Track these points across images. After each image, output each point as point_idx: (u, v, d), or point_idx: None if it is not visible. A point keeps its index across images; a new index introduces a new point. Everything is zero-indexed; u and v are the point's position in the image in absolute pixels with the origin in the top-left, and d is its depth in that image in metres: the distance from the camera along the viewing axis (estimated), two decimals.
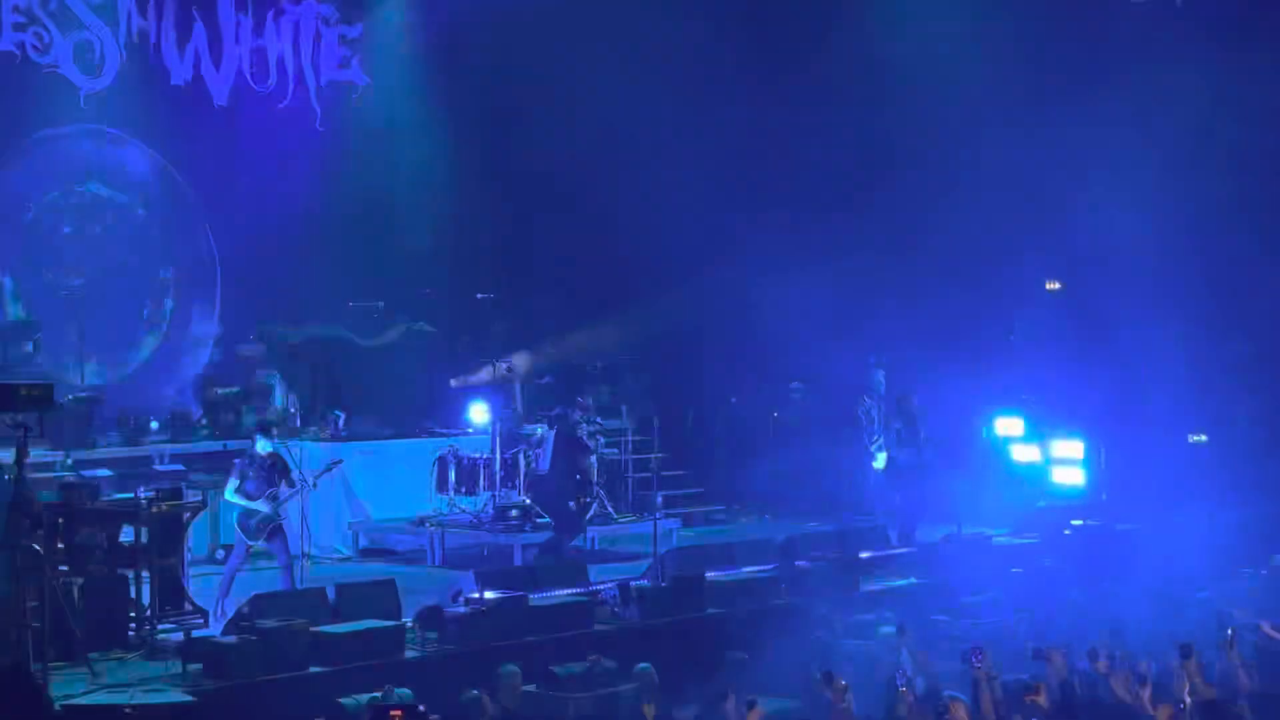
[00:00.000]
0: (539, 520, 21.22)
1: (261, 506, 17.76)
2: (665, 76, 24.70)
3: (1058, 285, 26.41)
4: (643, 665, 15.35)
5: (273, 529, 17.83)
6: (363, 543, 21.95)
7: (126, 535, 16.49)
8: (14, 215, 22.40)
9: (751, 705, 13.56)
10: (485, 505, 21.42)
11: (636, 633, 17.12)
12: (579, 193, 24.71)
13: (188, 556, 17.12)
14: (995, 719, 13.03)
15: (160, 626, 16.14)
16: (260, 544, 17.93)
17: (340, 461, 19.53)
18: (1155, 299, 23.88)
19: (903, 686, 13.63)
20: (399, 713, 11.23)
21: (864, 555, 20.22)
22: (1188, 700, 13.11)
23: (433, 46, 25.30)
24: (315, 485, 18.44)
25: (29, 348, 21.53)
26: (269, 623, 15.17)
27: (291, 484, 17.99)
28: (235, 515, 18.00)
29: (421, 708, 12.72)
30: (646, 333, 25.42)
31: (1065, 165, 24.80)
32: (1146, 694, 13.39)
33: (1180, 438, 24.38)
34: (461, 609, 16.42)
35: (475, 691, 14.22)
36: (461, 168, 24.70)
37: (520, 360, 23.92)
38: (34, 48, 22.40)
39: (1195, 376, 24.42)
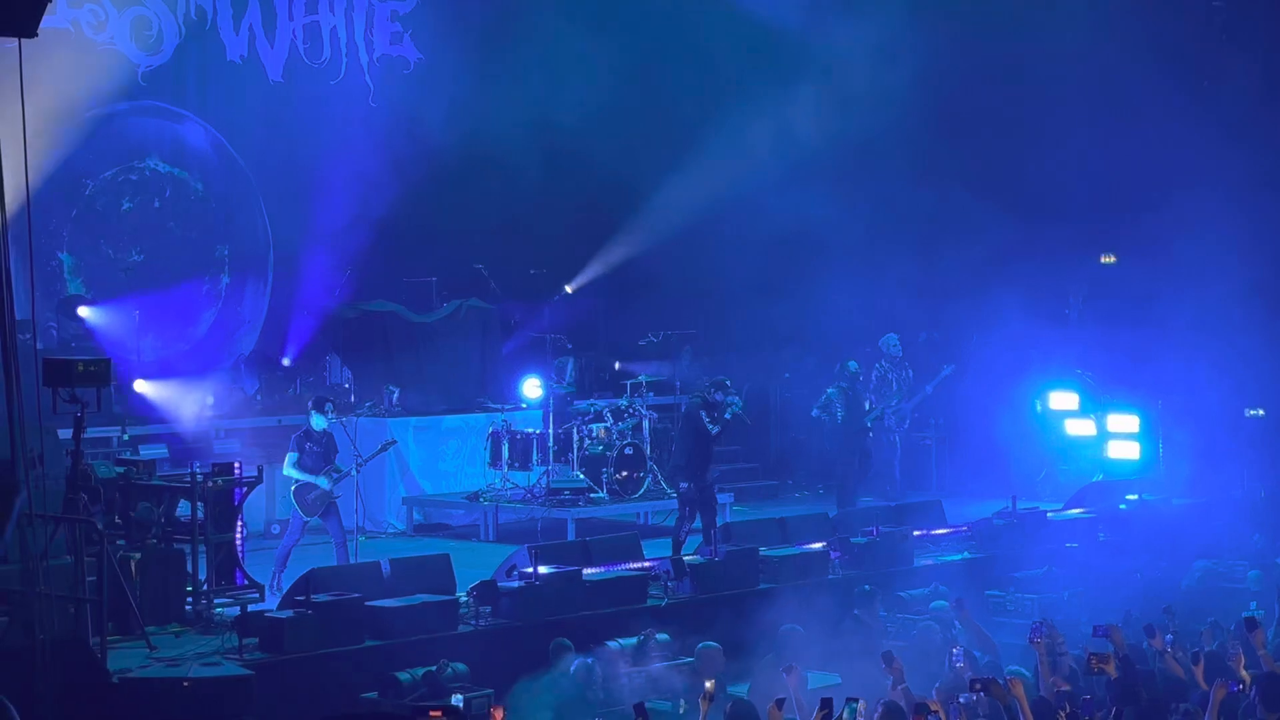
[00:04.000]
0: (593, 495, 21.30)
1: (320, 482, 17.87)
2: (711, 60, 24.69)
3: (1113, 258, 26.28)
4: (709, 644, 15.31)
5: (328, 505, 17.94)
6: (416, 518, 22.04)
7: (183, 510, 16.61)
8: (73, 191, 22.53)
9: (789, 669, 13.57)
10: (538, 480, 21.46)
11: (690, 607, 17.13)
12: (625, 168, 24.69)
13: (243, 531, 17.23)
14: (1058, 693, 12.96)
15: (217, 601, 16.25)
16: (315, 520, 18.04)
17: (393, 443, 19.59)
18: (1211, 271, 23.74)
19: (960, 663, 13.59)
20: (439, 713, 11.31)
21: (917, 531, 20.17)
22: (1245, 676, 13.00)
23: (484, 21, 25.32)
24: (357, 471, 18.46)
25: (86, 324, 21.71)
26: (324, 597, 15.26)
27: (339, 469, 18.08)
28: (291, 490, 18.12)
29: (459, 706, 12.76)
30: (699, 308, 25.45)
31: (1122, 139, 24.68)
32: (1199, 671, 13.31)
33: (1238, 412, 24.22)
34: (515, 583, 16.47)
35: None
36: (512, 143, 24.69)
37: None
38: (90, 24, 22.51)
39: (1253, 350, 24.26)
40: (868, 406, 23.16)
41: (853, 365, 22.93)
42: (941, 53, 24.49)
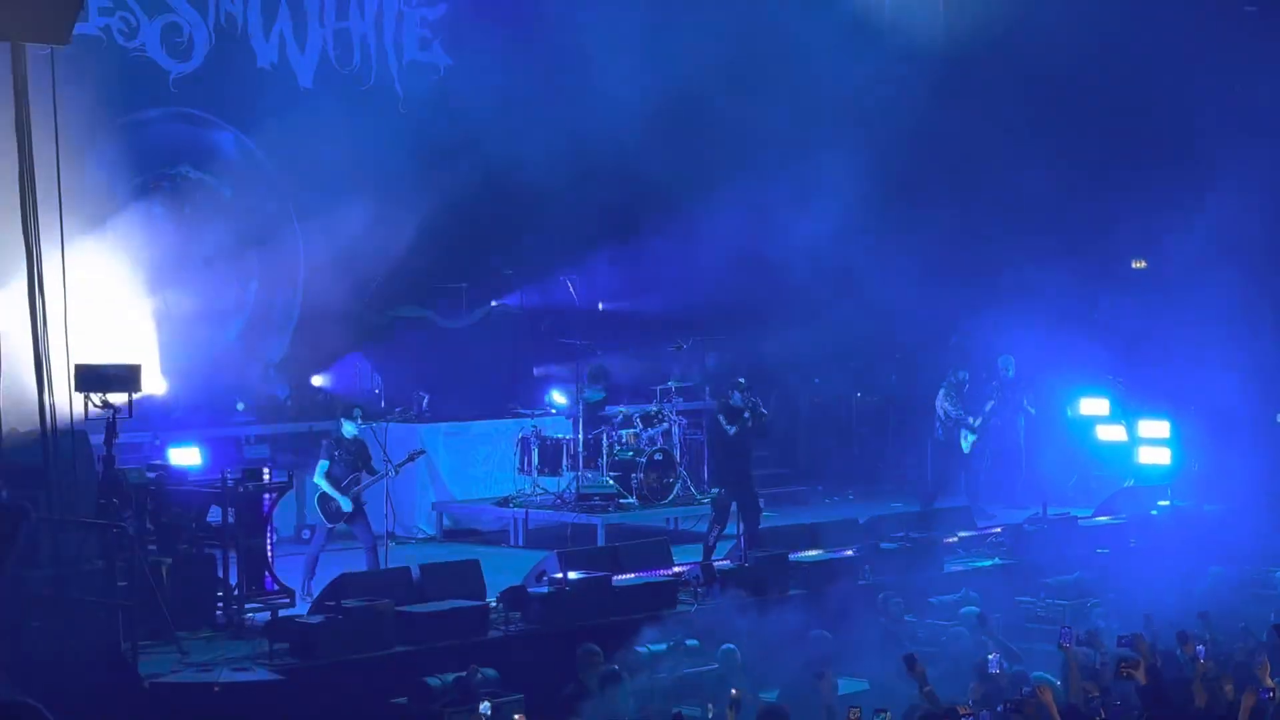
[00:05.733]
0: (622, 501, 21.30)
1: (343, 503, 17.86)
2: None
3: (1144, 264, 26.23)
4: (727, 646, 15.36)
5: (353, 513, 17.95)
6: (446, 523, 22.07)
7: (214, 515, 16.66)
8: (105, 198, 22.55)
9: (820, 675, 13.57)
10: (568, 486, 21.47)
11: (719, 613, 17.11)
12: (657, 174, 24.67)
13: (273, 536, 17.26)
14: (1086, 699, 12.92)
15: (247, 606, 16.29)
16: (341, 526, 18.06)
17: (422, 452, 19.59)
18: (1241, 276, 23.68)
19: (995, 669, 13.57)
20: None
21: (948, 538, 20.13)
22: (1273, 684, 12.95)
23: (514, 27, 25.33)
24: (396, 472, 18.52)
25: None
26: (354, 602, 15.29)
27: (372, 471, 18.11)
28: (316, 498, 18.15)
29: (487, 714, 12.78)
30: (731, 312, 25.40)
31: (1153, 143, 24.63)
32: (1229, 683, 13.24)
33: (1269, 417, 24.14)
34: (545, 589, 16.48)
35: None
36: (542, 149, 24.68)
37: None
38: (121, 31, 22.58)
39: None
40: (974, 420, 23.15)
41: (963, 374, 22.99)
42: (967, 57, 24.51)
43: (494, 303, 24.75)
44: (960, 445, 22.96)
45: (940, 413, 22.89)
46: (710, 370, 25.12)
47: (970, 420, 22.85)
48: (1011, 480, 24.03)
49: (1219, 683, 12.30)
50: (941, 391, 22.93)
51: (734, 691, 12.68)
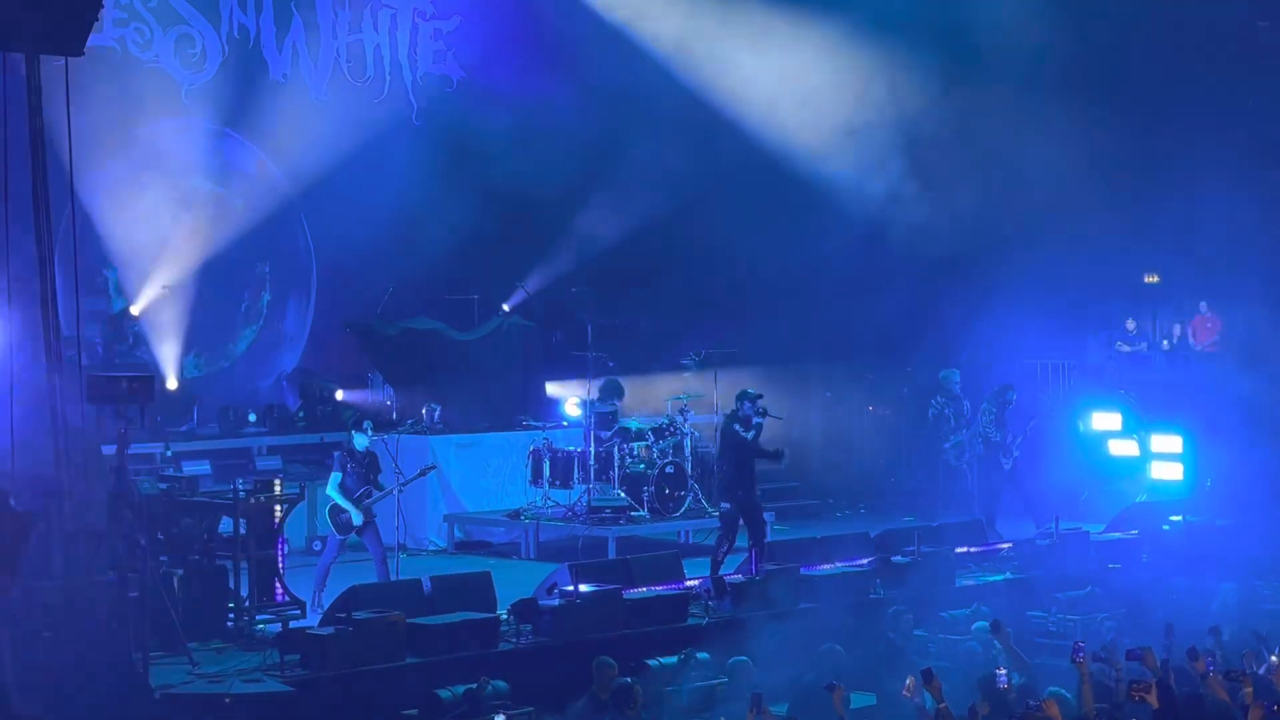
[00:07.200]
0: (634, 514, 21.28)
1: (354, 516, 17.83)
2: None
3: (1156, 278, 26.19)
4: (738, 659, 15.33)
5: (363, 524, 17.94)
6: (457, 535, 22.07)
7: (225, 526, 16.67)
8: (118, 209, 22.63)
9: (833, 688, 13.54)
10: (579, 498, 21.47)
11: (730, 627, 17.09)
12: (665, 184, 24.67)
13: (285, 547, 17.27)
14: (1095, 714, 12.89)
15: (259, 617, 16.30)
16: (352, 538, 18.06)
17: (433, 467, 19.58)
18: (1254, 290, 23.65)
19: (1004, 684, 13.53)
20: None
21: (959, 550, 20.10)
22: None
23: (528, 39, 25.38)
24: (402, 489, 18.48)
25: (129, 339, 21.83)
26: (365, 614, 15.28)
27: (381, 487, 18.09)
28: (327, 510, 18.15)
29: None
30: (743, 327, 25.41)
31: (1167, 156, 24.60)
32: (1249, 692, 13.20)
33: None
34: (556, 601, 16.47)
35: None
36: (555, 160, 24.71)
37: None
38: (135, 43, 22.65)
39: None
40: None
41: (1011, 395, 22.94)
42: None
43: (505, 308, 24.75)
44: (1000, 465, 22.87)
45: (983, 432, 22.80)
46: (721, 383, 25.12)
47: (1012, 447, 22.80)
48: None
49: (1239, 684, 12.27)
50: (991, 414, 22.77)
51: (755, 695, 12.69)
